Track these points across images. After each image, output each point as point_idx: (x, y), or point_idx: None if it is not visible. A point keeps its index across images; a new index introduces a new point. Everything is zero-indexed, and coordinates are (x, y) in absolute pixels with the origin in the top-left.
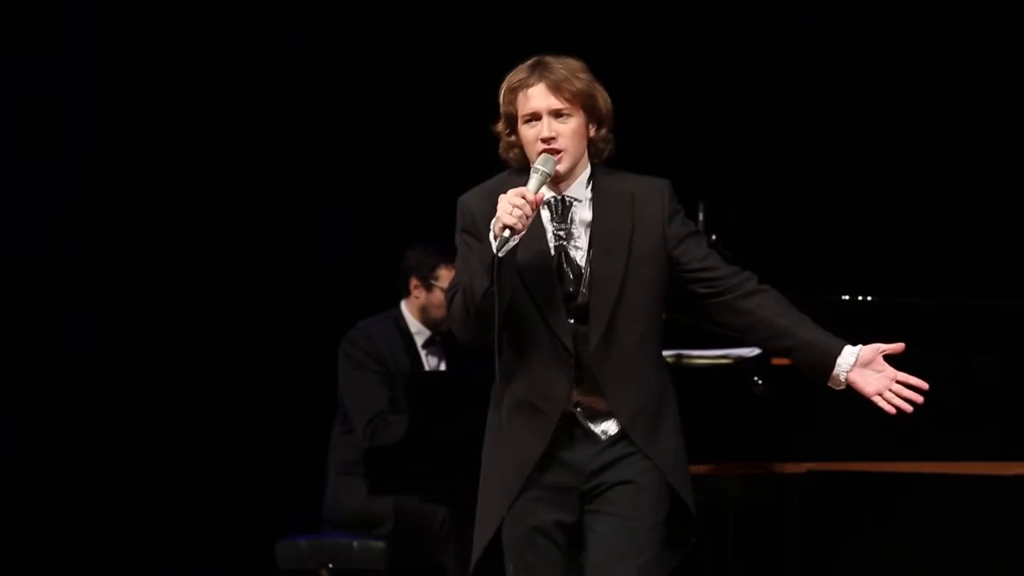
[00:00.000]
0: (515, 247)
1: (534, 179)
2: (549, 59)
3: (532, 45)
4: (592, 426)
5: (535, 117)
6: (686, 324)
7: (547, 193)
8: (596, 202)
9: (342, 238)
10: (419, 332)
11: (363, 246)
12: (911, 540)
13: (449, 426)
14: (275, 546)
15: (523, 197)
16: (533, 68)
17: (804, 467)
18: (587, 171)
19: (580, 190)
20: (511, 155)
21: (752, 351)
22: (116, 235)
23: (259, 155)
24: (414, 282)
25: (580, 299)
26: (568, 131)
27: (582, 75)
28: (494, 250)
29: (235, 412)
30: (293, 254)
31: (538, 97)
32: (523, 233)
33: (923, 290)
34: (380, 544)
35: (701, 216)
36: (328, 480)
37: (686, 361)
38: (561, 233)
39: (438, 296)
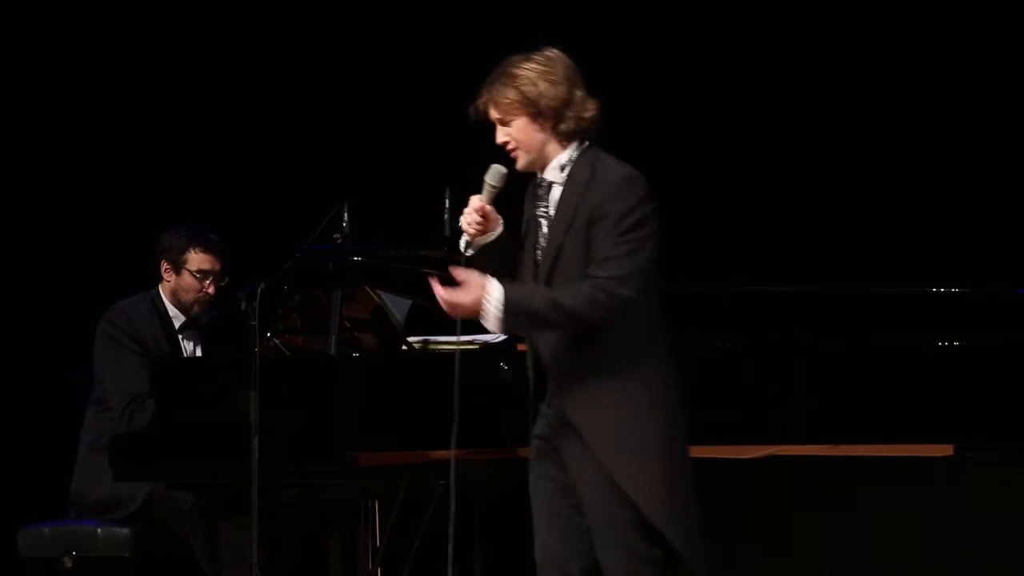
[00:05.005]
0: (495, 240)
1: (485, 191)
2: (499, 69)
3: None
4: (549, 382)
5: (494, 125)
6: (433, 312)
7: (544, 176)
8: (565, 184)
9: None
10: (175, 316)
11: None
12: None
13: (193, 414)
14: (17, 534)
15: (473, 208)
16: (488, 80)
17: None
18: (565, 155)
19: (555, 173)
20: None
21: (498, 337)
22: None
23: None
24: (165, 265)
25: (539, 266)
26: (515, 133)
27: (516, 82)
28: (462, 251)
29: None
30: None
31: (488, 110)
32: (495, 232)
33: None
34: (124, 531)
35: None
36: (78, 460)
37: (433, 347)
38: (542, 210)
39: (187, 279)
